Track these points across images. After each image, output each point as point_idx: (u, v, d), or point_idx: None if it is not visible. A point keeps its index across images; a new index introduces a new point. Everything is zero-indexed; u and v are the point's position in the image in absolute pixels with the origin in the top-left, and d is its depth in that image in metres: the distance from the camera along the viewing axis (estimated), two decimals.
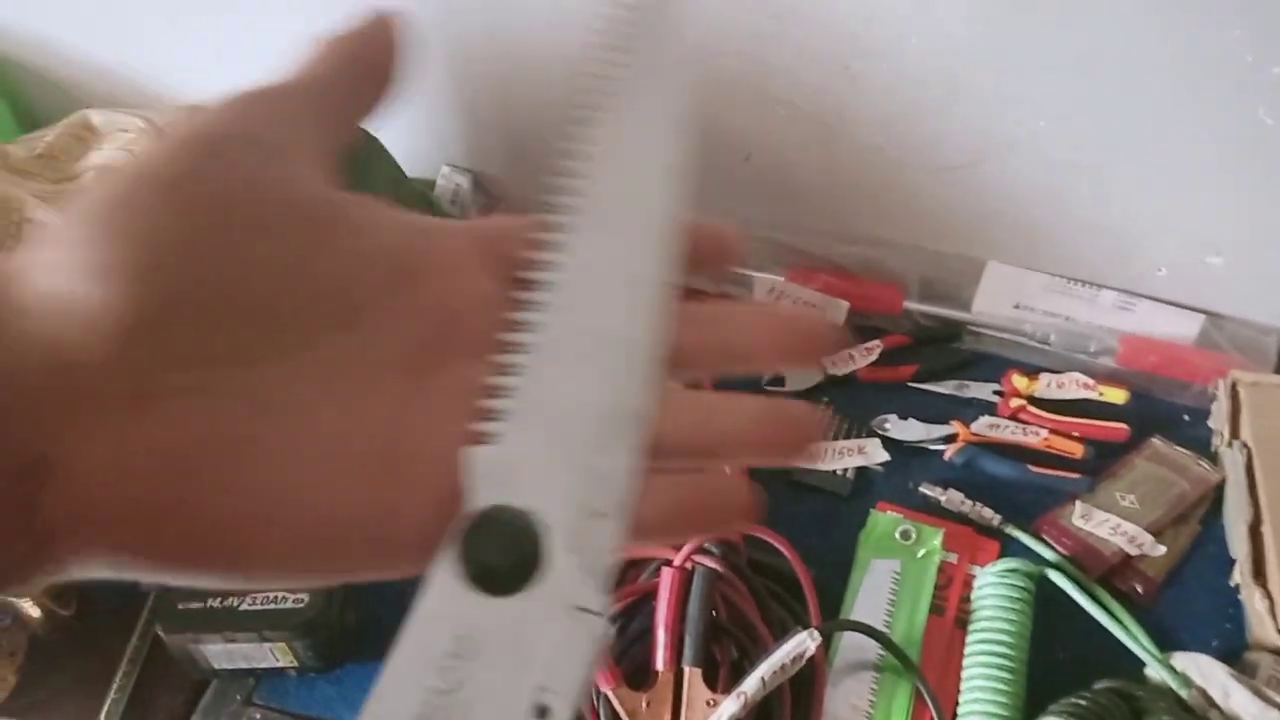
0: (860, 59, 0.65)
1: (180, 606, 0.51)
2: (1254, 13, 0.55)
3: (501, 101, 0.76)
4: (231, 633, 0.50)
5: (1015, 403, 0.69)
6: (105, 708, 0.54)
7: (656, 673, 0.52)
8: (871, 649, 0.56)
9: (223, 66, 0.82)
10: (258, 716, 0.55)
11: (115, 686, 0.55)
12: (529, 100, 0.75)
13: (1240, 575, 0.58)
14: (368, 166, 0.74)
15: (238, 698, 0.55)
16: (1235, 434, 0.64)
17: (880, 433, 0.68)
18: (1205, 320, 0.71)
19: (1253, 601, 0.55)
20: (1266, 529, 0.58)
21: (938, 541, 0.61)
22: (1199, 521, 0.63)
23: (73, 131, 0.74)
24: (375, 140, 0.74)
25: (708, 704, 0.51)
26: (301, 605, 0.51)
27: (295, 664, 0.54)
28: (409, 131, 0.80)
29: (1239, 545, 0.59)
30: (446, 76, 0.76)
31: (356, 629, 0.56)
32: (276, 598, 0.51)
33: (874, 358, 0.72)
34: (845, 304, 0.75)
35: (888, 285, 0.76)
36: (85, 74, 0.86)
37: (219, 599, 0.51)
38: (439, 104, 0.78)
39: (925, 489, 0.64)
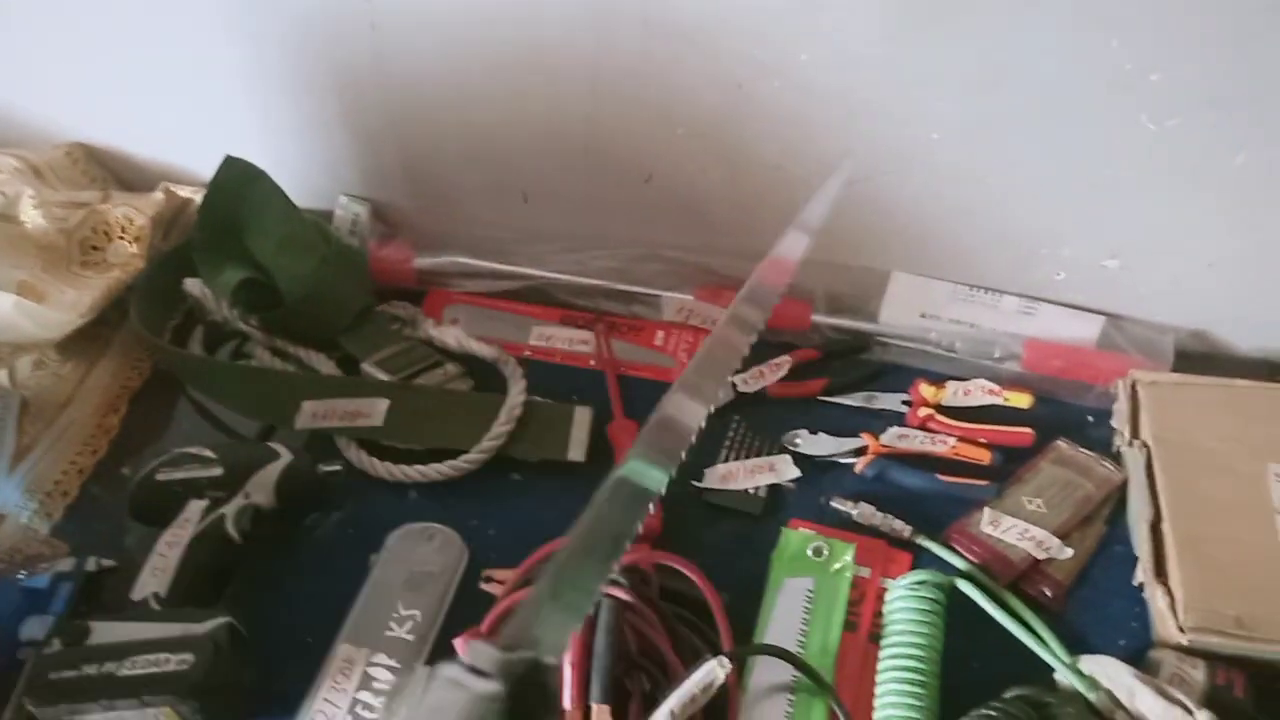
0: (751, 79, 0.65)
1: (52, 676, 0.48)
2: (1127, 23, 0.56)
3: (394, 129, 0.75)
4: (109, 700, 0.48)
5: (923, 412, 0.69)
6: None
7: (564, 712, 0.51)
8: (786, 670, 0.56)
9: (107, 107, 0.79)
10: None
11: None
12: (424, 126, 0.74)
13: (1143, 573, 0.58)
14: (258, 207, 0.72)
15: None
16: (1135, 433, 0.65)
17: (791, 449, 0.68)
18: (1105, 322, 0.72)
19: (1155, 599, 0.56)
20: (1166, 526, 0.58)
21: (850, 556, 0.61)
22: (1105, 521, 0.64)
23: None
24: (266, 178, 0.72)
25: None
26: (186, 667, 0.48)
27: None
28: (303, 163, 0.78)
29: (1141, 544, 0.59)
30: (337, 106, 0.74)
31: (255, 688, 0.54)
32: (159, 660, 0.49)
33: (783, 373, 0.72)
34: None
35: (795, 300, 0.76)
36: None
37: (96, 665, 0.49)
38: (331, 135, 0.76)
39: (837, 503, 0.64)
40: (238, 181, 0.70)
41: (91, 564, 0.60)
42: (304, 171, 0.77)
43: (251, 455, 0.63)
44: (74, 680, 0.48)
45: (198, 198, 0.77)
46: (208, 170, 0.72)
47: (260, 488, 0.61)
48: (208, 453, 0.62)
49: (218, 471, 0.61)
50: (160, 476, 0.61)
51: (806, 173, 0.70)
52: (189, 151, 0.80)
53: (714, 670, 0.51)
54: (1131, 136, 0.62)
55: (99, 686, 0.48)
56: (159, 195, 0.77)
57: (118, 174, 0.83)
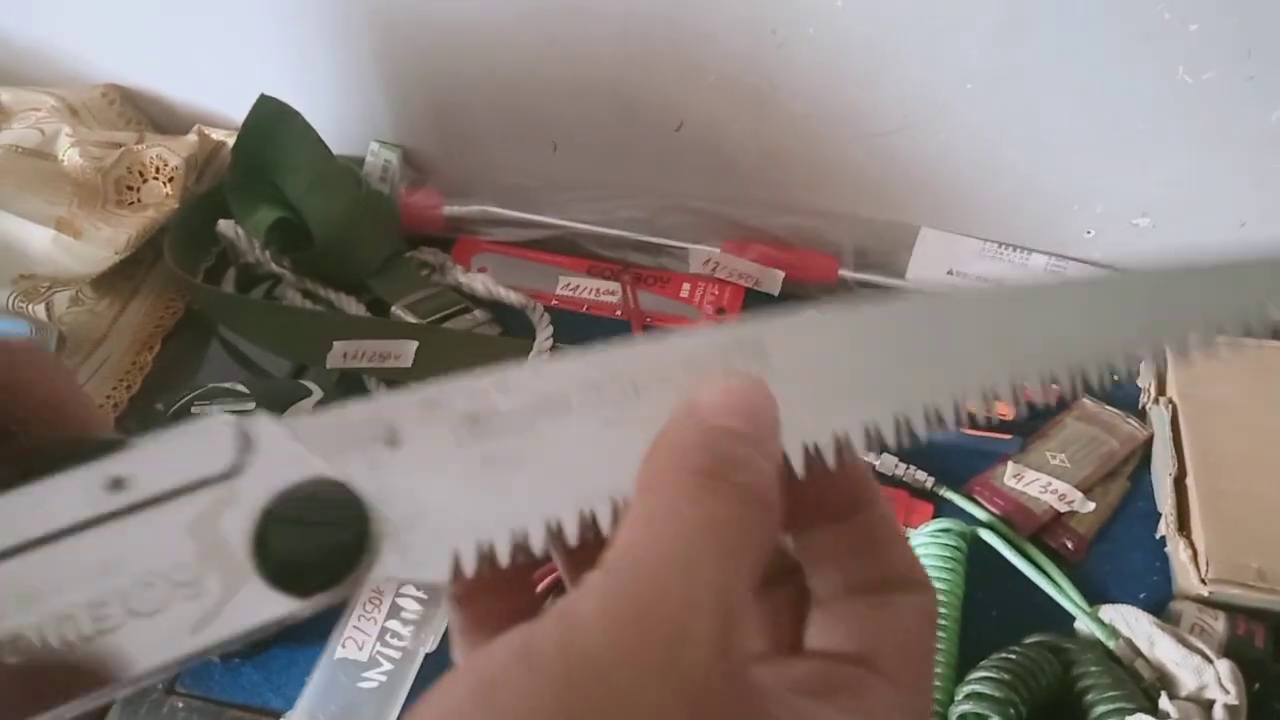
0: (786, 25, 0.65)
1: None
2: None
3: (427, 74, 0.75)
4: None
5: None
6: None
7: None
8: None
9: (142, 49, 0.80)
10: (180, 705, 0.53)
11: None
12: (455, 72, 0.74)
13: (1166, 527, 0.58)
14: (291, 145, 0.73)
15: (159, 687, 0.54)
16: (1162, 391, 0.65)
17: None
18: None
19: (1177, 553, 0.56)
20: (1190, 482, 0.59)
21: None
22: (1128, 478, 0.64)
23: None
24: (299, 118, 0.72)
25: None
26: None
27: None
28: (335, 108, 0.78)
29: (1165, 499, 0.59)
30: (370, 50, 0.74)
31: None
32: None
33: None
34: (780, 274, 0.75)
35: (823, 255, 0.76)
36: None
37: None
38: (364, 79, 0.76)
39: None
40: (271, 120, 0.71)
41: None
42: (336, 117, 0.77)
43: (284, 391, 0.64)
44: None
45: (230, 141, 0.77)
46: (240, 114, 0.72)
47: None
48: (241, 387, 0.63)
49: (250, 406, 0.62)
50: (194, 409, 0.62)
51: (837, 124, 0.70)
52: (222, 95, 0.81)
53: None
54: (1167, 89, 0.61)
55: None
56: (193, 138, 0.78)
57: (152, 116, 0.84)
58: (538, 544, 0.20)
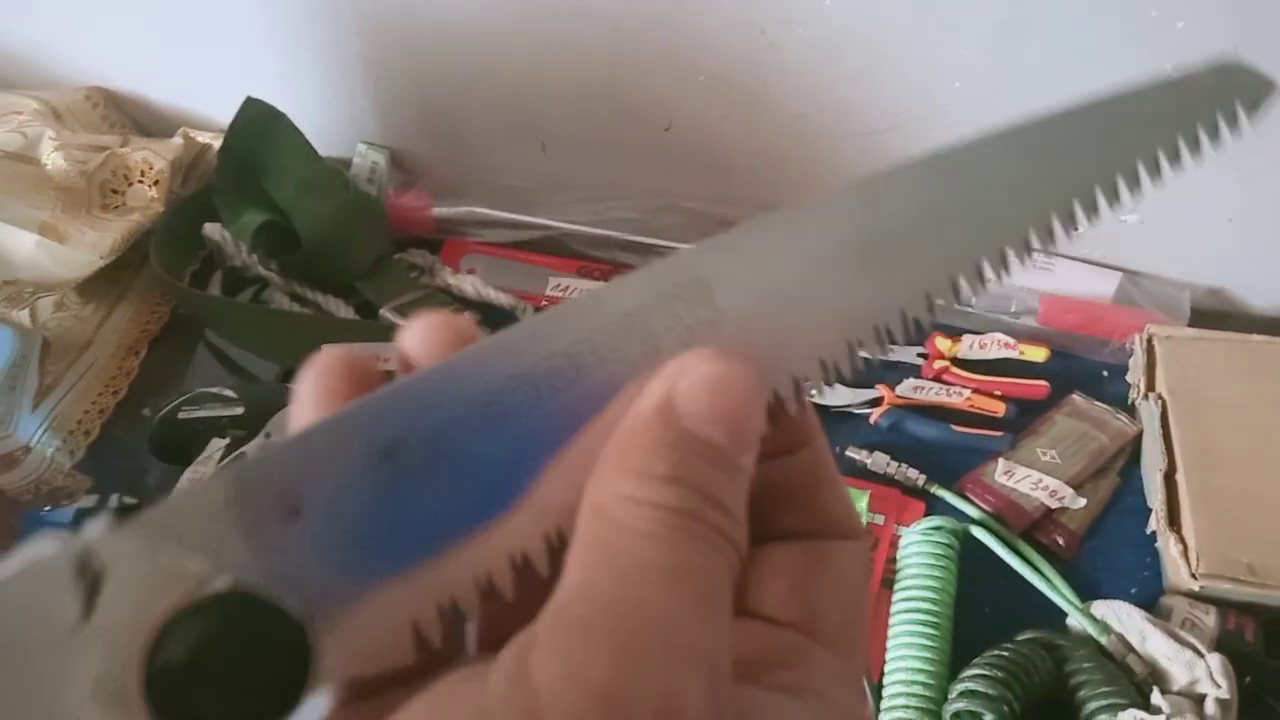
0: (777, 24, 0.64)
1: None
2: None
3: (415, 75, 0.74)
4: None
5: (939, 364, 0.69)
6: None
7: None
8: None
9: (126, 51, 0.79)
10: None
11: None
12: (443, 73, 0.74)
13: (1156, 523, 0.59)
14: (278, 148, 0.72)
15: None
16: (1151, 386, 0.65)
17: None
18: (1122, 278, 0.72)
19: (1168, 547, 0.56)
20: (1180, 477, 0.59)
21: (864, 503, 0.61)
22: (1118, 474, 0.64)
23: None
24: (286, 120, 0.72)
25: None
26: None
27: None
28: (322, 110, 0.78)
29: (1155, 494, 0.60)
30: (357, 51, 0.74)
31: None
32: None
33: None
34: None
35: None
36: None
37: None
38: (351, 80, 0.76)
39: (851, 453, 0.64)
40: (258, 122, 0.70)
41: (114, 501, 0.61)
42: (323, 118, 0.77)
43: (272, 395, 0.63)
44: None
45: (216, 144, 0.77)
46: (226, 117, 0.71)
47: (281, 427, 0.62)
48: (229, 392, 0.63)
49: (238, 410, 0.62)
50: (182, 414, 0.61)
51: (829, 123, 0.70)
52: (208, 98, 0.80)
53: None
54: None
55: None
56: (178, 141, 0.77)
57: (136, 119, 0.83)
58: (470, 601, 0.17)
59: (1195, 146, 0.21)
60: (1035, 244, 0.20)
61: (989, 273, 0.20)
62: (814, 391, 0.19)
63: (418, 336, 0.19)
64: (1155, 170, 0.21)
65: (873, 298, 0.20)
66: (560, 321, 0.18)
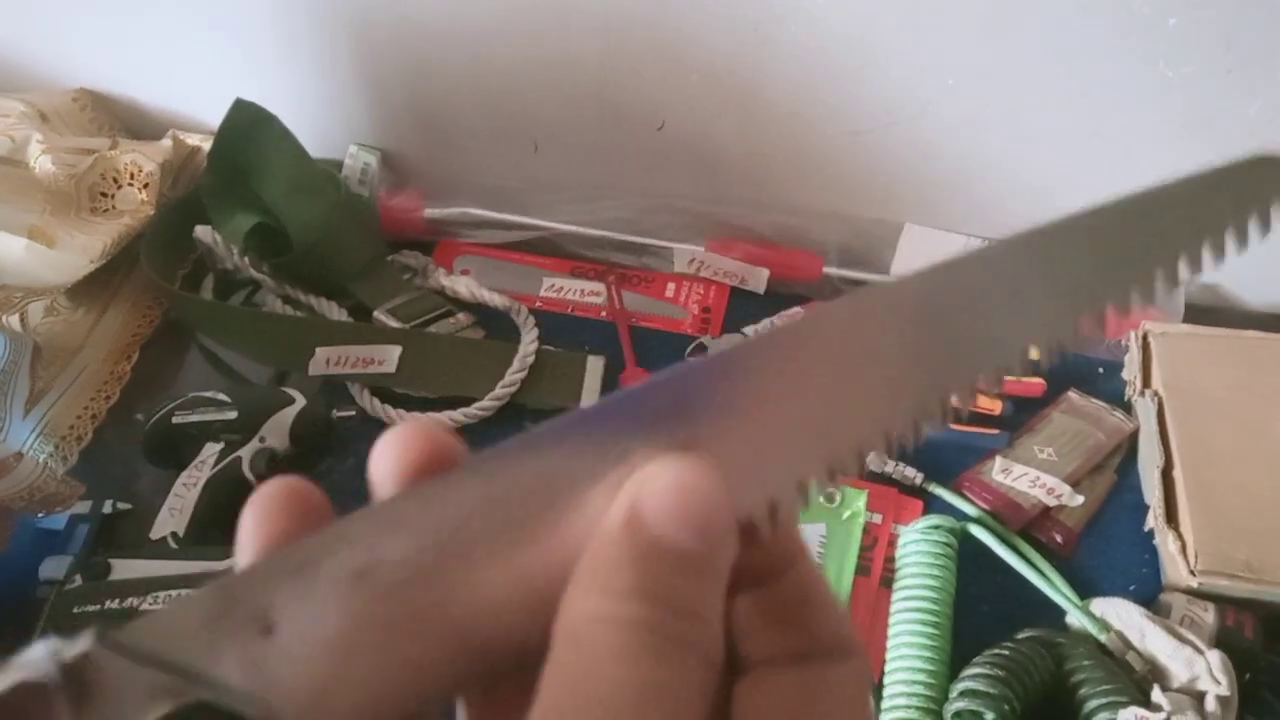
0: (769, 23, 0.64)
1: (75, 610, 0.48)
2: None
3: (406, 75, 0.74)
4: None
5: None
6: None
7: None
8: None
9: (114, 52, 0.79)
10: None
11: None
12: (435, 73, 0.73)
13: (1154, 520, 0.59)
14: (269, 149, 0.72)
15: None
16: (1147, 383, 0.65)
17: None
18: None
19: (1166, 544, 0.56)
20: (1177, 473, 0.59)
21: (862, 503, 0.61)
22: (1115, 471, 0.64)
23: None
24: (277, 121, 0.71)
25: None
26: None
27: None
28: (312, 111, 0.77)
29: (1152, 491, 0.60)
30: (348, 52, 0.73)
31: None
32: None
33: None
34: (766, 272, 0.75)
35: (807, 252, 0.76)
36: None
37: (119, 599, 0.49)
38: (342, 81, 0.75)
39: None
40: (248, 124, 0.70)
41: (107, 506, 0.60)
42: (313, 120, 0.76)
43: (266, 399, 0.63)
44: (97, 615, 0.48)
45: (205, 146, 0.76)
46: (215, 119, 0.71)
47: (275, 431, 0.62)
48: (222, 396, 0.62)
49: (232, 415, 0.61)
50: (175, 419, 0.61)
51: (821, 121, 0.69)
52: (197, 100, 0.80)
53: None
54: (1147, 83, 0.61)
55: (122, 621, 0.48)
56: (167, 143, 0.76)
57: (125, 121, 0.82)
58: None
59: (1222, 247, 0.21)
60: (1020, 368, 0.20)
61: (960, 400, 0.20)
62: (793, 514, 0.19)
63: (391, 453, 0.18)
64: (1188, 268, 0.21)
65: (852, 421, 0.19)
66: (538, 442, 0.18)
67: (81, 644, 0.15)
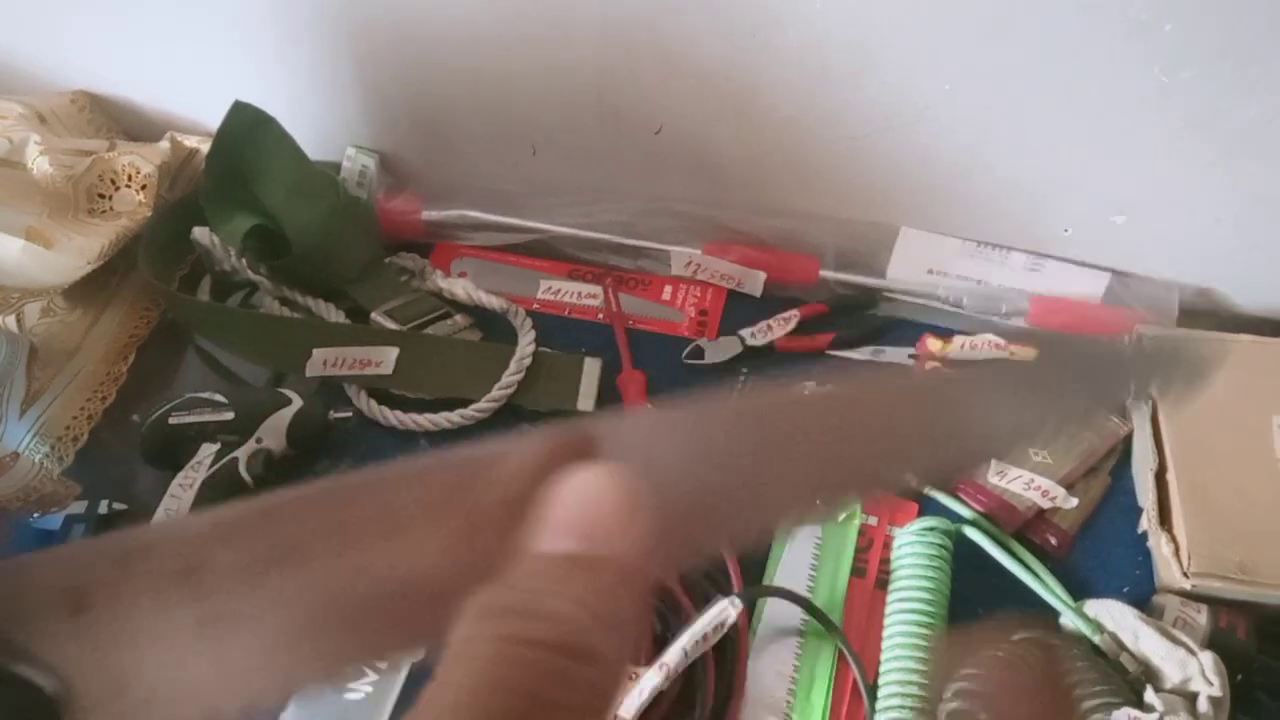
0: (767, 27, 0.65)
1: None
2: None
3: (405, 78, 0.74)
4: None
5: (930, 365, 0.69)
6: None
7: None
8: (794, 614, 0.56)
9: (112, 54, 0.79)
10: None
11: None
12: (433, 76, 0.73)
13: (1147, 522, 0.59)
14: (267, 152, 0.72)
15: None
16: None
17: None
18: (1111, 278, 0.73)
19: (1159, 546, 0.57)
20: (1171, 476, 0.59)
21: (857, 505, 0.61)
22: (1109, 473, 0.64)
23: None
24: (275, 123, 0.71)
25: (629, 677, 0.50)
26: None
27: None
28: (311, 113, 0.77)
29: (1146, 493, 0.60)
30: (347, 55, 0.73)
31: None
32: None
33: (791, 327, 0.72)
34: (762, 275, 0.75)
35: (804, 255, 0.76)
36: None
37: None
38: (340, 84, 0.76)
39: None
40: (247, 126, 0.70)
41: (103, 507, 0.60)
42: (312, 122, 0.77)
43: (263, 400, 0.63)
44: None
45: (204, 148, 0.76)
46: (213, 121, 0.71)
47: (272, 432, 0.62)
48: (219, 397, 0.62)
49: (229, 416, 0.61)
50: (172, 420, 0.61)
51: (819, 125, 0.70)
52: (195, 102, 0.80)
53: (726, 609, 0.52)
54: (1143, 88, 0.62)
55: None
56: (165, 145, 0.76)
57: (123, 123, 0.83)
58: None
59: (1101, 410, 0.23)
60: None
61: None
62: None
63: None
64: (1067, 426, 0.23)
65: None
66: (394, 471, 0.19)
67: None
